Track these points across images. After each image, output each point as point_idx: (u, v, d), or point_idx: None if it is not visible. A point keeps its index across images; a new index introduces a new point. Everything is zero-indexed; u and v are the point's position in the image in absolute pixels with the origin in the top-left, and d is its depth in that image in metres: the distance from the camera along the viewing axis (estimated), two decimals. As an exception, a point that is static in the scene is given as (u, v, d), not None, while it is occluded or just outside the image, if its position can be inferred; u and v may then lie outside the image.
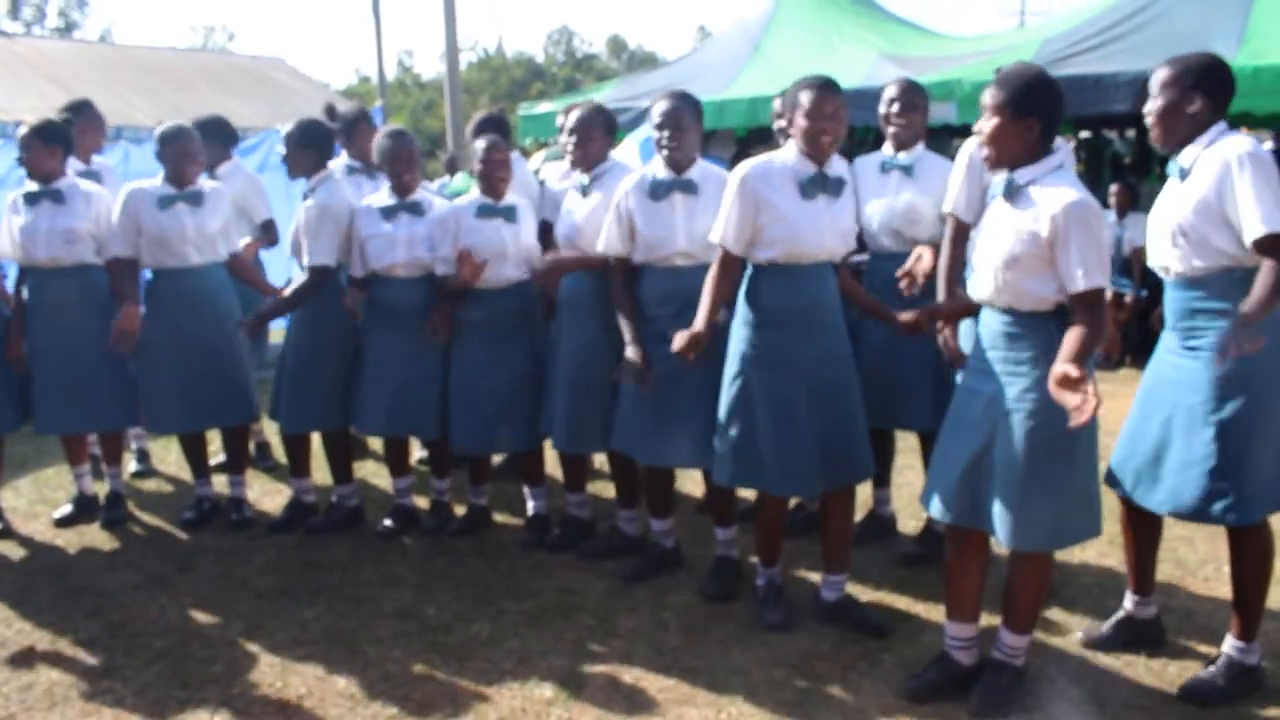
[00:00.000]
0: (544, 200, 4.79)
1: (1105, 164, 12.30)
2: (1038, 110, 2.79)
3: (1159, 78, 3.02)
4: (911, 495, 4.51)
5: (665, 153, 3.68)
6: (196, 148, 4.51)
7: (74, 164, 4.84)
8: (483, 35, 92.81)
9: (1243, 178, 2.82)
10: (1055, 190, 2.76)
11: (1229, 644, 3.13)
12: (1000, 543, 2.92)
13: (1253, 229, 2.79)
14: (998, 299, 2.88)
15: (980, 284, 2.93)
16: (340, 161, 5.09)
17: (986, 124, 2.84)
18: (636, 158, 5.49)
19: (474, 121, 5.07)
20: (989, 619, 3.26)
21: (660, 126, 3.66)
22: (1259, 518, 2.97)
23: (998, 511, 2.88)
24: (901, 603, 3.78)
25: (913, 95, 3.97)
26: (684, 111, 3.65)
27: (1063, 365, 2.58)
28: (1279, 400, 2.92)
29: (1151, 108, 3.04)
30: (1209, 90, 2.95)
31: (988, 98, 2.84)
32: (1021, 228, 2.79)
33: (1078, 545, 3.20)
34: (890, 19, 10.97)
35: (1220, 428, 2.91)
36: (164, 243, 4.42)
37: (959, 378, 3.05)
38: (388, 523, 4.58)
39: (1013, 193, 2.84)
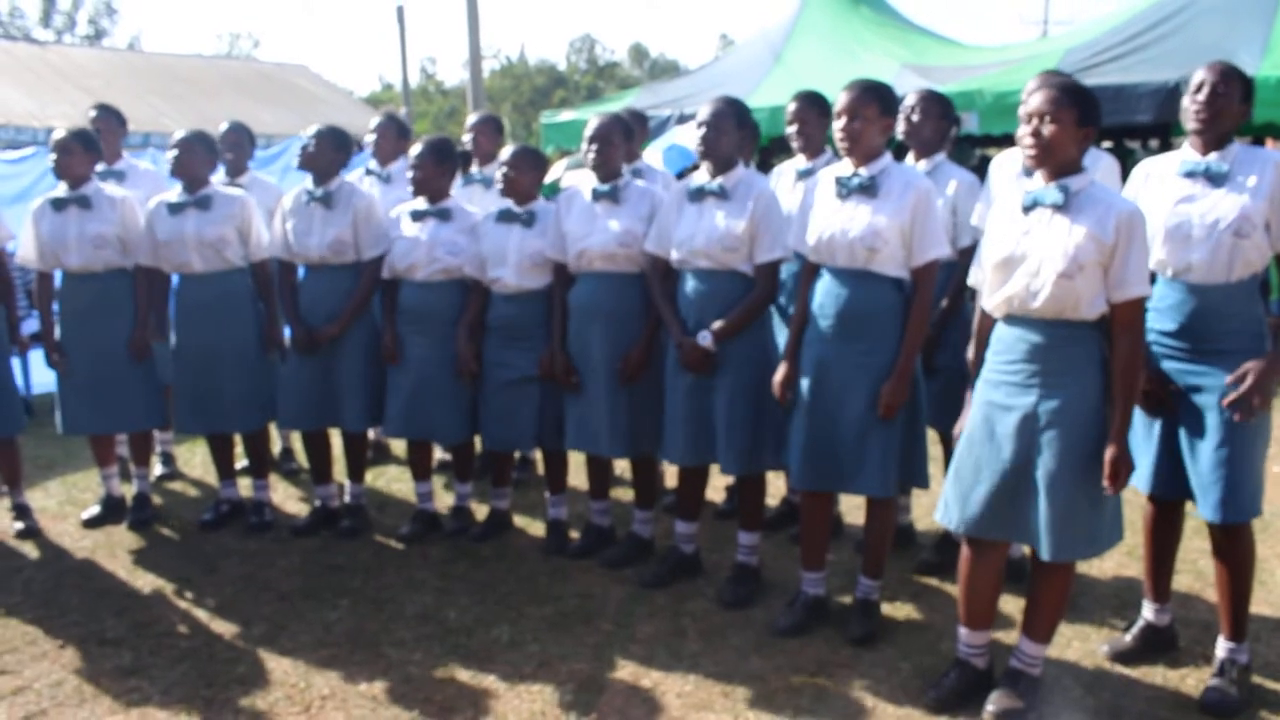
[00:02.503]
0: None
1: (1127, 174, 12.22)
2: (1096, 120, 2.83)
3: (1215, 75, 3.01)
4: (930, 504, 4.51)
5: (699, 152, 3.76)
6: (204, 152, 4.50)
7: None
8: (505, 43, 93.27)
9: None
10: (1113, 197, 2.81)
11: (1227, 649, 3.15)
12: (1042, 555, 2.90)
13: None
14: (1048, 310, 2.81)
15: (1022, 296, 2.84)
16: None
17: (1046, 128, 2.78)
18: (660, 164, 5.55)
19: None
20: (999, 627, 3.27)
21: (697, 127, 3.74)
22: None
23: (1043, 525, 2.86)
24: (919, 611, 3.79)
25: (928, 104, 3.95)
26: (720, 115, 3.70)
27: (1112, 449, 2.78)
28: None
29: (1205, 99, 3.01)
30: (1250, 99, 3.05)
31: (1046, 103, 2.77)
32: (1084, 235, 2.75)
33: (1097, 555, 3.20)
34: (912, 28, 10.96)
35: (1248, 429, 2.98)
36: (168, 248, 4.48)
37: (976, 390, 3.04)
38: (409, 527, 4.62)
39: (1067, 201, 2.80)
